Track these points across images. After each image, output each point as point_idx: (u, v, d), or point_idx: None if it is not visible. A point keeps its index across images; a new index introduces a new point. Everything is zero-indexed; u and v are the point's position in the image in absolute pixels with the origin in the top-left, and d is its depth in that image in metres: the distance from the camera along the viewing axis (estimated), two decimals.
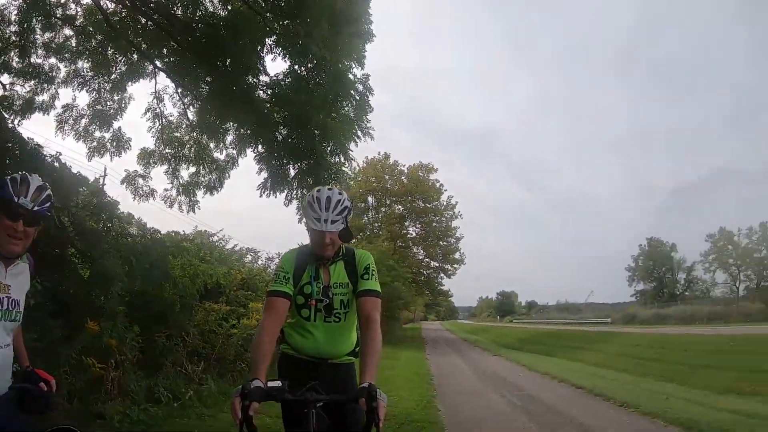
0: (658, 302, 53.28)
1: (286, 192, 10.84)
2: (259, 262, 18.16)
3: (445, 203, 49.66)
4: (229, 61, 8.94)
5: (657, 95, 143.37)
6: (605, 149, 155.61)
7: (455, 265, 51.27)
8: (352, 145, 10.51)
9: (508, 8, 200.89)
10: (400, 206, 48.90)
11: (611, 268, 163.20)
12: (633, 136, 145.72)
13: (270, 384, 2.38)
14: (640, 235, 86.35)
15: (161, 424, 6.95)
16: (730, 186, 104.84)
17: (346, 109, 10.44)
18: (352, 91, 10.23)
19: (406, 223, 49.48)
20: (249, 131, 10.45)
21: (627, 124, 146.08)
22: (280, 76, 9.89)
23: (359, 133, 10.55)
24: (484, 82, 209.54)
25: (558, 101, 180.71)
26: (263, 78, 9.94)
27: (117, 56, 10.47)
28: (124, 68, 10.63)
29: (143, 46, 10.09)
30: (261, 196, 10.59)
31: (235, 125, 10.61)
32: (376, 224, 48.41)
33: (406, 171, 48.88)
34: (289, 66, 9.73)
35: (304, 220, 3.10)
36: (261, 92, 10.06)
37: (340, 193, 2.86)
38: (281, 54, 9.28)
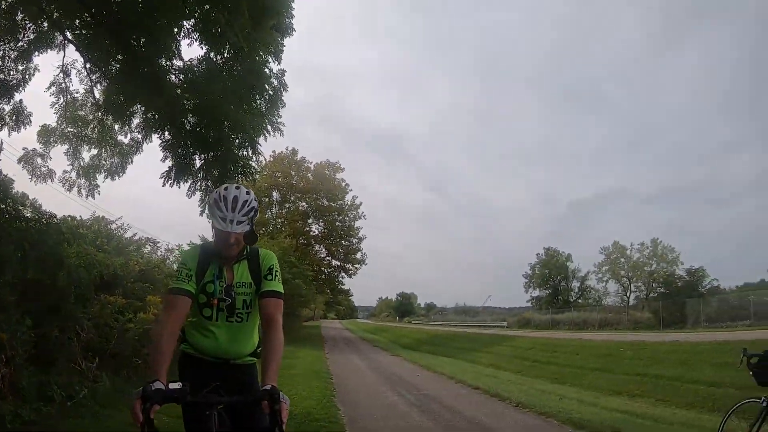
0: (553, 308, 55.75)
1: (190, 183, 10.55)
2: (159, 253, 17.39)
3: (349, 203, 50.26)
4: (143, 40, 8.53)
5: (565, 114, 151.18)
6: (511, 159, 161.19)
7: (356, 265, 51.91)
8: (261, 139, 10.38)
9: (429, 12, 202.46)
10: (304, 203, 48.67)
11: (510, 275, 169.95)
12: (538, 150, 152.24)
13: (171, 386, 2.34)
14: (538, 244, 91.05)
15: (55, 424, 6.49)
16: (625, 203, 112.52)
17: (259, 102, 10.31)
18: (266, 86, 10.13)
19: (310, 221, 49.36)
20: (157, 116, 10.06)
21: (533, 138, 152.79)
22: (195, 62, 9.60)
23: (269, 128, 10.47)
24: (400, 83, 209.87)
25: (470, 108, 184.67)
26: (177, 62, 9.62)
27: (26, 22, 9.61)
28: (32, 36, 9.79)
29: (55, 14, 9.34)
30: (164, 185, 10.27)
31: (143, 108, 10.18)
32: (280, 220, 47.89)
33: (312, 168, 48.91)
34: (205, 53, 9.49)
35: (207, 214, 3.05)
36: (173, 77, 9.71)
37: (247, 193, 2.81)
38: (198, 39, 9.00)
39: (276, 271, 2.97)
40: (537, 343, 27.98)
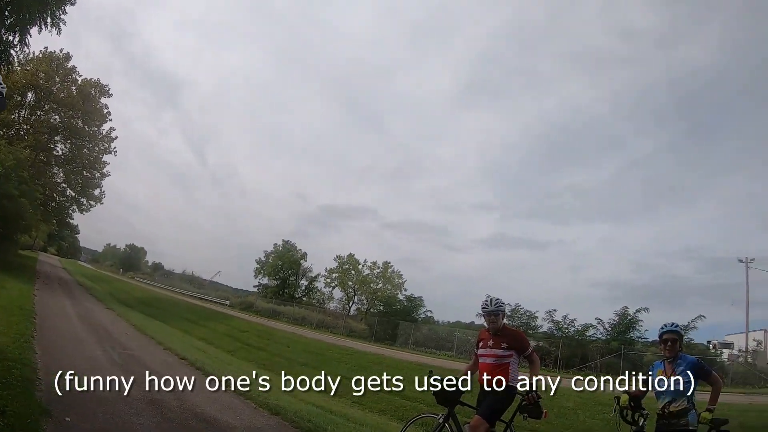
0: (278, 299, 56.80)
1: None
2: None
3: (104, 132, 44.94)
4: None
5: (344, 123, 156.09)
6: (278, 147, 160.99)
7: (92, 201, 46.61)
8: (34, 30, 8.90)
9: None
10: (58, 116, 42.34)
11: (244, 257, 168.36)
12: (306, 146, 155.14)
13: None
14: (280, 235, 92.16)
15: None
16: (371, 223, 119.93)
17: None
18: None
19: (57, 138, 43.15)
20: None
21: (306, 133, 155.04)
22: None
23: (49, 20, 9.04)
24: (201, 30, 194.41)
25: (258, 83, 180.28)
26: None
27: None
28: None
29: None
30: None
31: None
32: (26, 126, 41.04)
33: (80, 81, 42.86)
34: None
35: None
36: None
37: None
38: None
39: None
40: (254, 328, 28.95)
